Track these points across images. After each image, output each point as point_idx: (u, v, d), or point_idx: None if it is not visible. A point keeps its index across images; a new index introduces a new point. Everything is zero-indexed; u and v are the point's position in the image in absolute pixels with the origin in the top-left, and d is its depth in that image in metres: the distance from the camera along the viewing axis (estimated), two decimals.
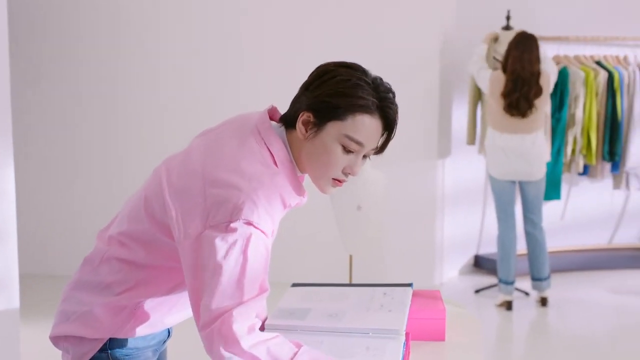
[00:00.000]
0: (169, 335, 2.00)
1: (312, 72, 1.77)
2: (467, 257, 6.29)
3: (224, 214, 1.63)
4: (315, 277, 4.77)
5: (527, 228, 5.33)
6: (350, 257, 3.65)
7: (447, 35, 5.68)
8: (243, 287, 1.62)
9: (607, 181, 6.39)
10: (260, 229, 1.65)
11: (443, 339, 2.04)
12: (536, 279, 5.34)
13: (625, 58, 6.15)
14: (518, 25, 5.63)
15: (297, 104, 1.75)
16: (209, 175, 1.68)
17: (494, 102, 5.08)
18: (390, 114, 1.73)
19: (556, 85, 5.90)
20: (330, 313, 1.97)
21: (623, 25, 6.20)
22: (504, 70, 5.06)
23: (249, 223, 1.63)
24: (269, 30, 5.64)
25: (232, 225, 1.62)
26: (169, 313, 1.87)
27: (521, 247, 5.85)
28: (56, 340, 1.85)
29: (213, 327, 1.60)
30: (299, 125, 1.73)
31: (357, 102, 1.68)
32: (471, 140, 5.78)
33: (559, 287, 5.69)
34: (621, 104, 6.02)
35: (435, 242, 5.81)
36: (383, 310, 1.98)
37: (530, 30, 5.80)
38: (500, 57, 5.49)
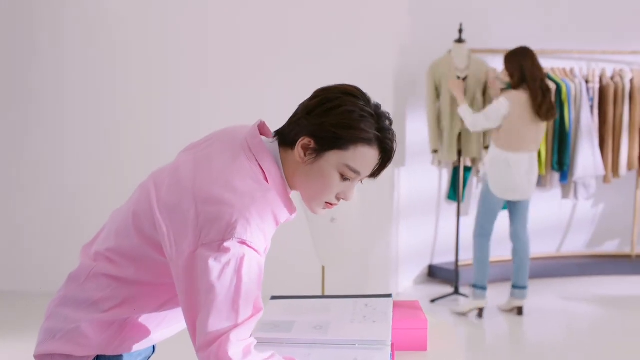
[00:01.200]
0: (153, 350, 1.99)
1: (315, 96, 1.76)
2: (422, 267, 6.35)
3: (217, 233, 1.62)
4: (287, 288, 4.74)
5: (522, 236, 5.37)
6: (323, 268, 3.67)
7: (401, 48, 5.76)
8: (238, 308, 1.62)
9: (556, 191, 6.53)
10: (253, 248, 1.65)
11: (425, 349, 2.07)
12: (521, 286, 5.40)
13: (571, 71, 6.31)
14: (470, 39, 5.74)
15: (298, 127, 1.75)
16: (200, 192, 1.67)
17: (516, 121, 5.07)
18: (389, 145, 1.75)
19: None
20: (315, 325, 1.98)
21: (568, 39, 6.37)
22: (519, 85, 5.09)
23: (243, 242, 1.63)
24: (219, 43, 5.63)
25: (225, 244, 1.61)
26: (157, 329, 1.86)
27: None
28: (41, 358, 1.81)
29: (210, 350, 1.60)
30: (298, 149, 1.74)
31: (360, 135, 1.71)
32: (435, 145, 5.84)
33: (506, 295, 5.79)
34: (569, 115, 6.16)
35: (391, 252, 5.87)
36: (367, 322, 2.00)
37: (481, 43, 5.98)
38: (459, 73, 5.61)
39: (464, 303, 5.46)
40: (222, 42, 5.63)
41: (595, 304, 5.87)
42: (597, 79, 6.35)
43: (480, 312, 5.38)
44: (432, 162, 6.10)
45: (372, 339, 1.89)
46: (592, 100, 6.30)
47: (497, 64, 6.14)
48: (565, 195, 6.46)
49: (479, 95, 5.67)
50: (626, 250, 6.87)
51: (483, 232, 5.33)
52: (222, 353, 1.58)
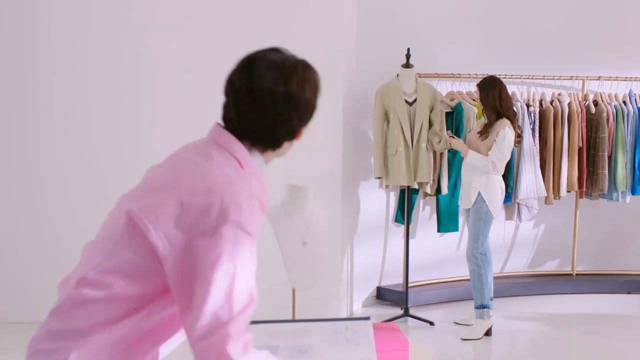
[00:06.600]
0: None
1: (286, 77, 1.78)
2: (370, 289, 6.39)
3: (209, 221, 1.64)
4: (257, 312, 4.69)
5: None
6: (294, 290, 3.67)
7: (348, 73, 5.82)
8: (233, 297, 1.63)
9: (500, 212, 6.65)
10: (247, 231, 1.67)
11: None
12: (486, 306, 5.49)
13: (512, 94, 6.47)
14: (417, 64, 5.83)
15: (288, 125, 1.80)
16: (184, 188, 1.70)
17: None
18: None
19: (452, 120, 6.16)
20: (299, 349, 1.99)
21: (510, 65, 6.53)
22: (509, 111, 5.32)
23: (237, 226, 1.65)
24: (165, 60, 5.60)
25: (218, 230, 1.64)
26: (146, 353, 1.82)
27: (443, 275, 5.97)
28: None
29: (207, 343, 1.61)
30: (294, 140, 1.84)
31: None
32: (379, 172, 5.87)
33: (455, 315, 5.90)
34: None
35: (343, 275, 5.89)
36: (350, 344, 2.01)
37: (428, 68, 6.09)
38: (407, 97, 5.69)
39: (475, 328, 5.44)
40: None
41: (538, 322, 6.00)
42: (537, 103, 6.54)
43: (489, 330, 5.45)
44: (380, 186, 6.17)
45: None
46: (533, 123, 6.47)
47: (443, 88, 6.27)
48: (509, 216, 6.60)
49: (426, 120, 5.74)
50: (567, 269, 7.04)
51: (486, 252, 5.44)
52: (221, 348, 1.60)
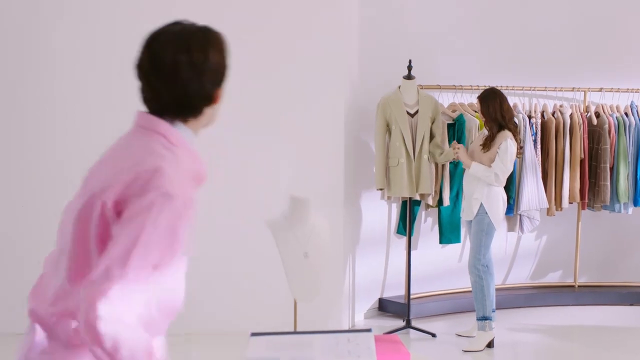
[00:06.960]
0: None
1: (186, 46, 1.80)
2: (372, 301, 6.38)
3: (136, 187, 1.67)
4: (258, 323, 4.67)
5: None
6: (295, 302, 3.67)
7: (350, 84, 5.83)
8: (130, 260, 1.61)
9: (502, 224, 6.65)
10: (170, 199, 1.67)
11: None
12: (488, 318, 5.48)
13: (514, 106, 6.48)
14: (419, 75, 5.84)
15: (201, 91, 1.81)
16: (115, 170, 1.73)
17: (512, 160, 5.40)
18: None
19: (454, 131, 6.17)
20: None
21: (511, 76, 6.55)
22: (510, 123, 5.34)
23: (160, 192, 1.66)
24: None
25: (141, 195, 1.66)
26: None
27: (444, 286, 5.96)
28: None
29: (85, 293, 1.59)
30: (215, 104, 1.86)
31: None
32: (381, 183, 5.85)
33: (457, 327, 5.88)
34: None
35: (344, 287, 5.87)
36: (352, 356, 2.00)
37: (429, 79, 6.10)
38: (409, 108, 5.69)
39: (477, 340, 5.42)
40: None
41: (541, 334, 5.98)
42: (538, 115, 6.54)
43: (491, 342, 5.43)
44: (382, 197, 6.17)
45: None
46: (535, 135, 6.47)
47: (445, 100, 6.28)
48: (511, 228, 6.59)
49: (427, 132, 5.75)
50: (569, 281, 7.02)
51: (488, 264, 5.43)
52: (93, 302, 1.57)
